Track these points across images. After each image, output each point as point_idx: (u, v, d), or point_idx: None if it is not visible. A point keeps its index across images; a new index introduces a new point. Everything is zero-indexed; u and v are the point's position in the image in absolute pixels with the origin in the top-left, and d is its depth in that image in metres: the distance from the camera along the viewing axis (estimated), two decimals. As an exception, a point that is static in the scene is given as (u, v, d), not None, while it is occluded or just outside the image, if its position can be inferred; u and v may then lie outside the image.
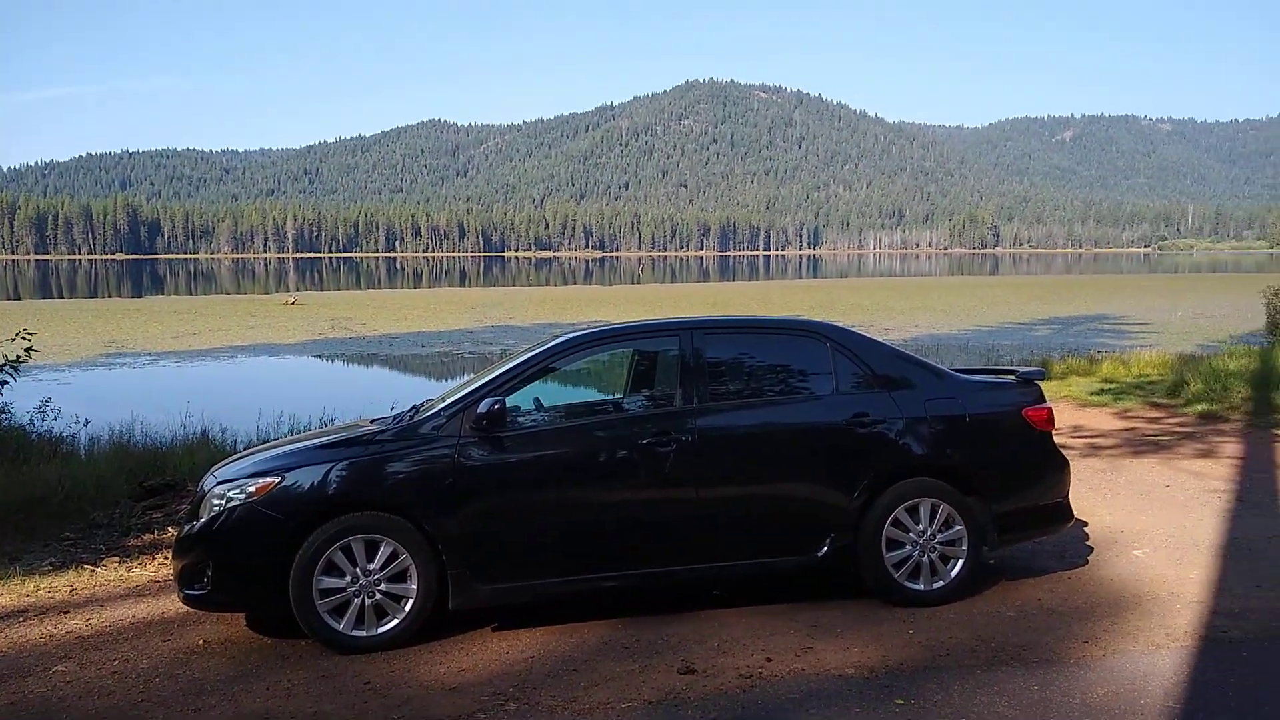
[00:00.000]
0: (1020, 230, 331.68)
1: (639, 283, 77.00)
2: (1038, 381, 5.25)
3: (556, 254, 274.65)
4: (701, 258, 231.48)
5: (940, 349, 25.13)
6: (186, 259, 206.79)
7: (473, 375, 5.81)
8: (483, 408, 4.47)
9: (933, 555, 4.84)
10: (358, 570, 4.37)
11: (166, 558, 6.09)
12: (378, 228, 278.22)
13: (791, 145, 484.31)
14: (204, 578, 4.40)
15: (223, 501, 4.41)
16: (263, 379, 20.77)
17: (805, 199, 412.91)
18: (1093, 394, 13.25)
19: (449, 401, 4.67)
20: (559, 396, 5.22)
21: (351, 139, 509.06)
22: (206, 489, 4.62)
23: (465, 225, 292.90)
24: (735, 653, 4.20)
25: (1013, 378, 5.26)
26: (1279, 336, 19.82)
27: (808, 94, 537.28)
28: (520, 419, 4.73)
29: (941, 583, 4.84)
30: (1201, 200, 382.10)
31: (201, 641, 4.62)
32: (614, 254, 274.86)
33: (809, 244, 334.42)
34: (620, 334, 5.10)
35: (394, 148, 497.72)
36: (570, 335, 4.96)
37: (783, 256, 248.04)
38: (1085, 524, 6.24)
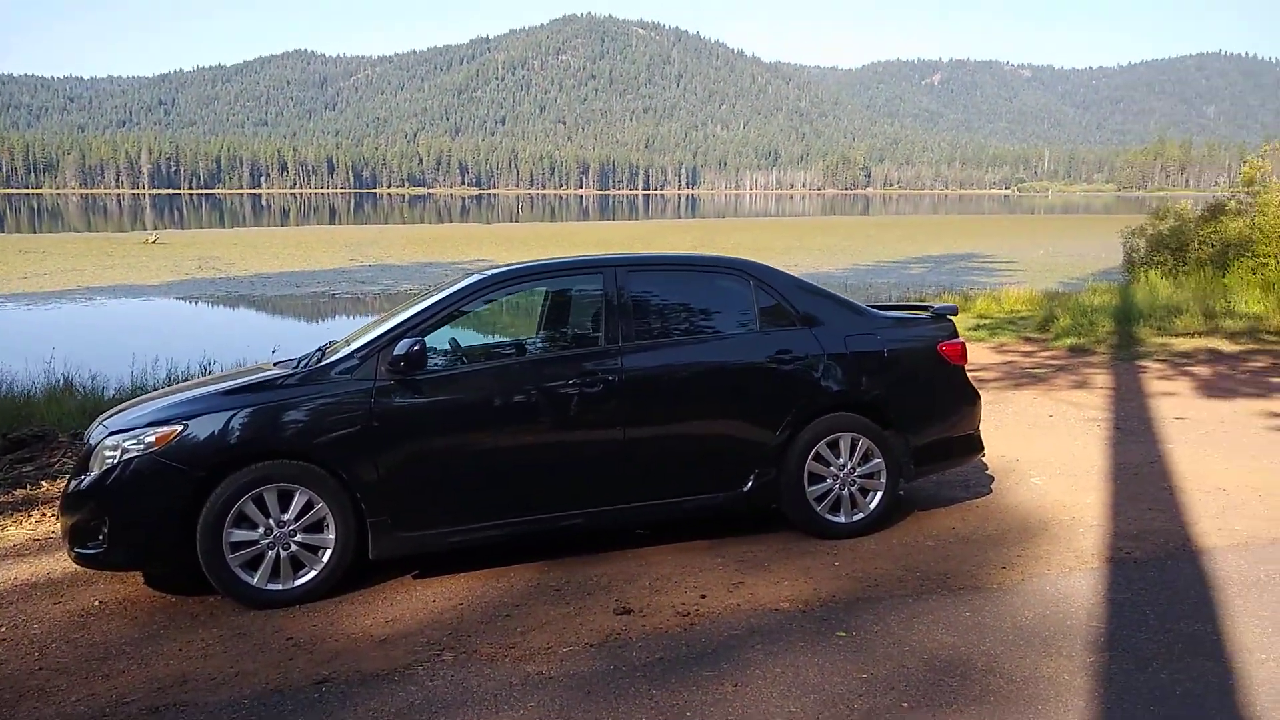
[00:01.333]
0: (890, 171, 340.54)
1: (517, 221, 75.84)
2: (950, 317, 5.35)
3: (431, 191, 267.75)
4: (581, 196, 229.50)
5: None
6: (29, 194, 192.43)
7: (378, 316, 5.56)
8: (400, 349, 4.26)
9: (852, 488, 4.92)
10: (271, 521, 4.14)
11: (44, 514, 5.68)
12: (241, 163, 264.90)
13: (670, 83, 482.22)
14: (99, 535, 4.09)
15: (117, 453, 4.09)
16: (128, 323, 19.59)
17: (684, 138, 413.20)
18: (969, 329, 13.75)
19: (362, 342, 4.43)
20: (475, 338, 5.04)
21: (210, 68, 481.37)
22: (95, 440, 4.28)
23: (335, 160, 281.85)
24: (668, 591, 4.18)
25: (927, 314, 5.35)
26: (1135, 274, 21.03)
27: (686, 31, 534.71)
28: (437, 361, 4.54)
29: (861, 515, 4.93)
30: (1057, 144, 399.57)
31: (97, 602, 4.32)
32: (491, 191, 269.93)
33: (688, 184, 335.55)
34: (540, 272, 4.93)
35: (257, 79, 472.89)
36: (488, 273, 4.77)
37: (662, 196, 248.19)
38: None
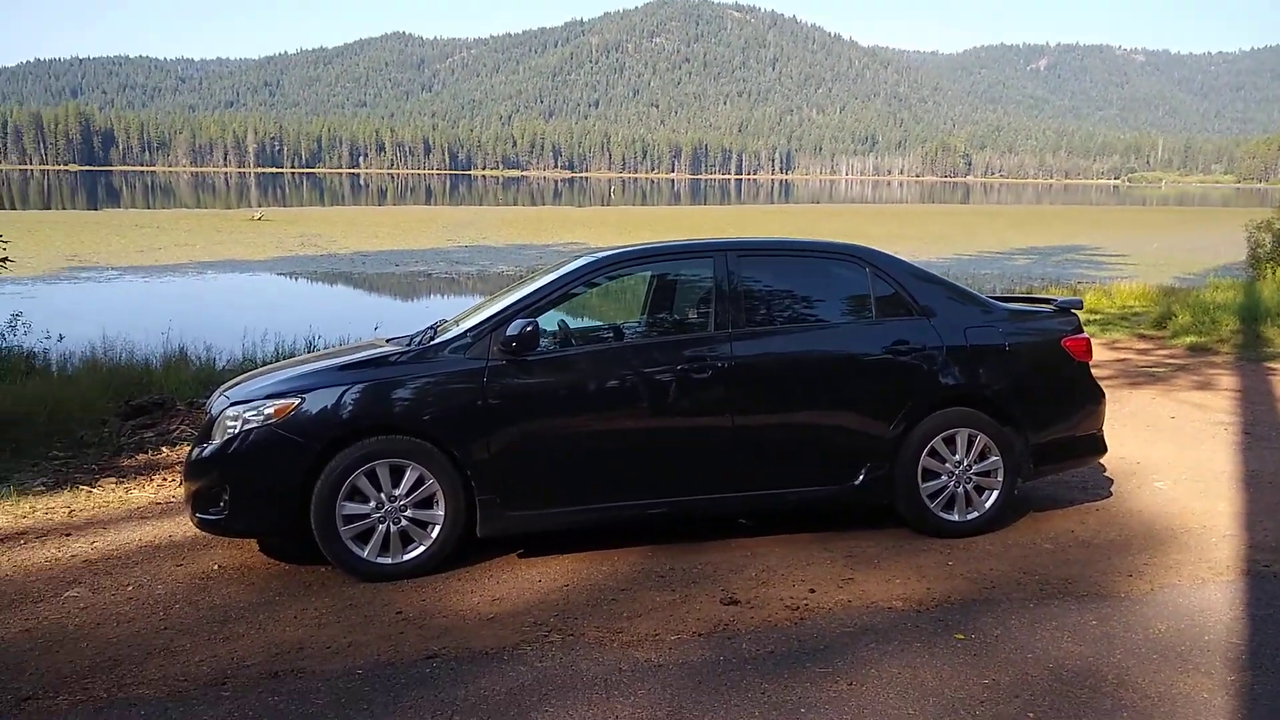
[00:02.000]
0: (992, 159, 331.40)
1: (608, 205, 76.02)
2: (1075, 311, 5.12)
3: (524, 173, 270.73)
4: (673, 180, 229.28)
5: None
6: (142, 170, 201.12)
7: (485, 297, 5.59)
8: (513, 329, 4.26)
9: (968, 486, 4.75)
10: (383, 496, 4.19)
11: (165, 479, 5.88)
12: (341, 143, 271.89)
13: (765, 67, 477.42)
14: (220, 502, 4.21)
15: (238, 424, 4.19)
16: (237, 296, 20.29)
17: (778, 122, 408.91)
18: (1080, 324, 13.22)
19: (475, 322, 4.45)
20: (584, 321, 5.03)
21: (313, 50, 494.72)
22: (218, 410, 4.40)
23: (431, 141, 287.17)
24: (776, 583, 4.10)
25: (1051, 307, 5.12)
26: (1260, 269, 20.00)
27: (781, 14, 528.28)
28: (548, 343, 4.54)
29: (976, 514, 4.76)
30: (1172, 132, 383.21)
31: (217, 567, 4.45)
32: (583, 174, 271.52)
33: (781, 169, 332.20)
34: (650, 255, 4.86)
35: (357, 60, 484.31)
36: (598, 255, 4.73)
37: (754, 181, 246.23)
38: (1100, 455, 6.21)
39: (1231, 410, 7.83)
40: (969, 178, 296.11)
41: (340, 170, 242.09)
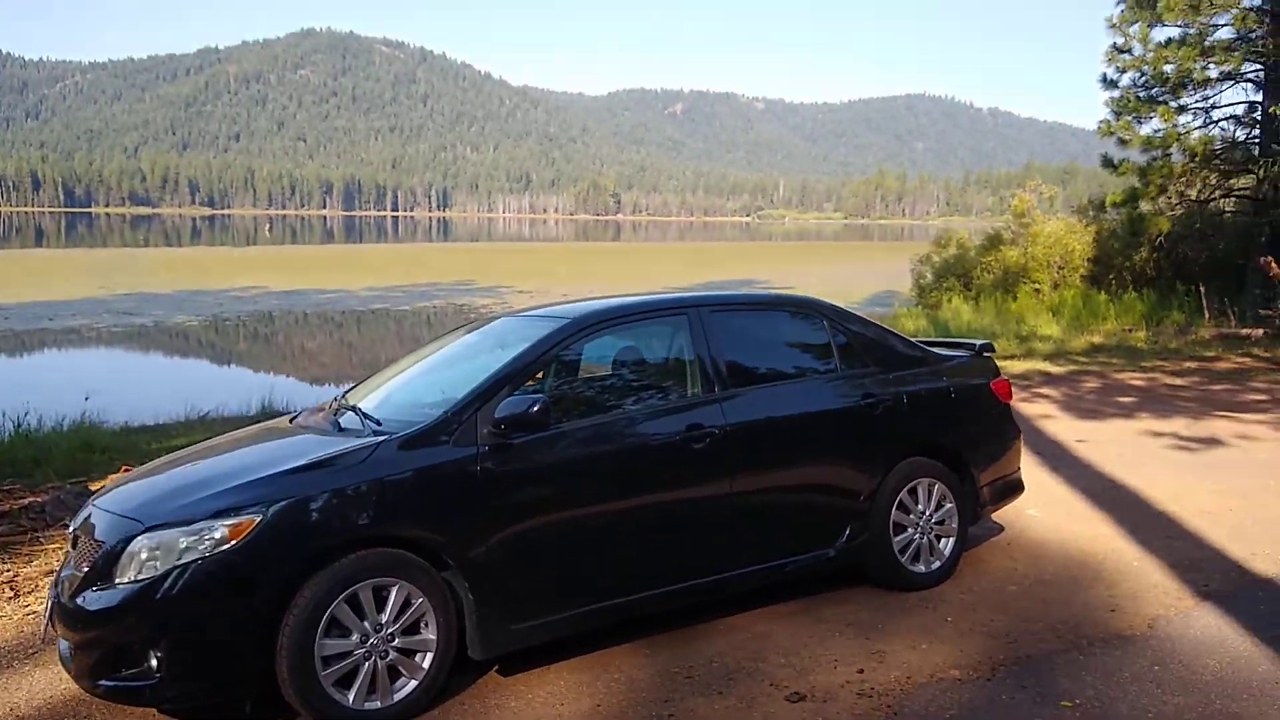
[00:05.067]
0: (639, 198, 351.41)
1: (253, 244, 71.21)
2: (988, 354, 5.32)
3: (157, 210, 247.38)
4: (325, 216, 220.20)
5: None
6: None
7: (384, 368, 4.81)
8: (506, 409, 3.63)
9: (930, 536, 4.75)
10: (366, 625, 3.38)
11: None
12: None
13: (416, 103, 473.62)
14: (144, 662, 3.17)
15: (172, 554, 3.20)
16: None
17: (433, 159, 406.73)
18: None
19: (460, 400, 3.74)
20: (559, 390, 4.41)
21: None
22: (115, 536, 3.32)
23: (40, 175, 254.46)
24: (817, 670, 3.77)
25: (970, 351, 5.28)
26: (926, 298, 22.68)
27: (431, 51, 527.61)
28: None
29: (938, 563, 4.75)
30: (790, 174, 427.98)
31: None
32: (225, 211, 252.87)
33: (439, 205, 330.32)
34: (623, 313, 4.37)
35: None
36: (574, 316, 4.18)
37: (412, 218, 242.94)
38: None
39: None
40: (619, 215, 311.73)
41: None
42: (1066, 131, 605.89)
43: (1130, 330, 17.18)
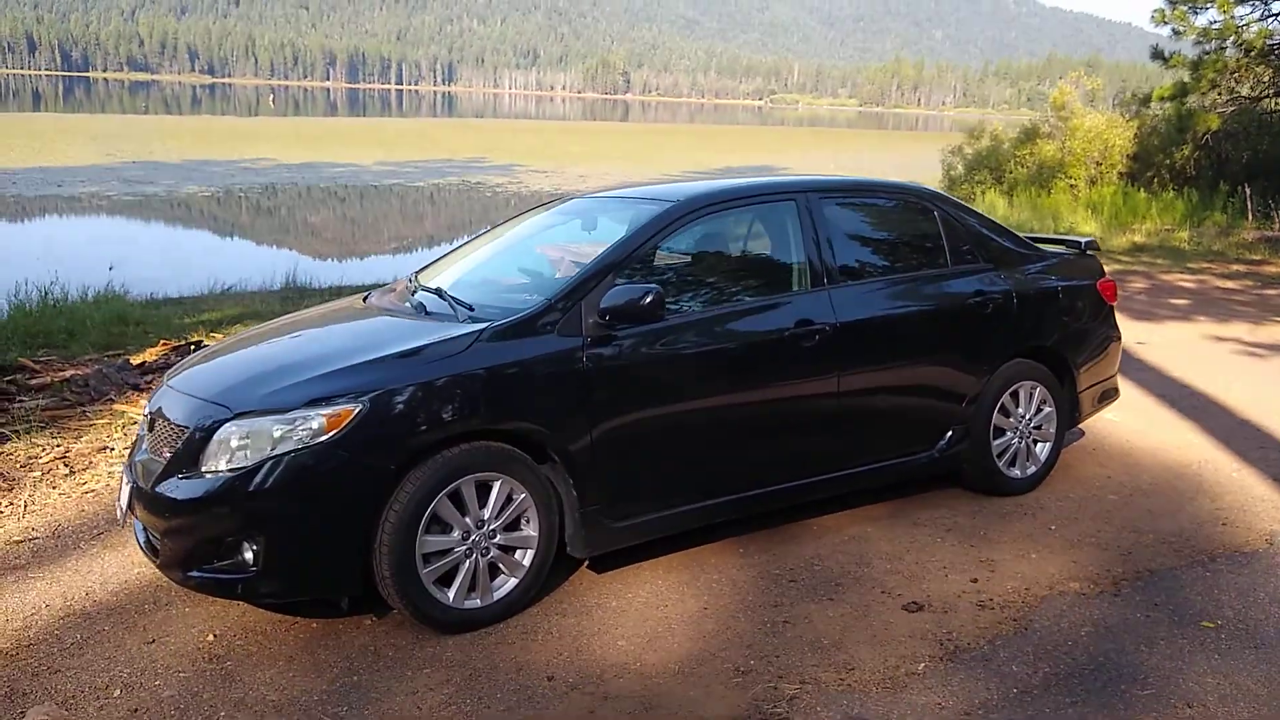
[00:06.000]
0: (650, 77, 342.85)
1: (256, 115, 69.52)
2: (1093, 252, 5.00)
3: (155, 77, 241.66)
4: (329, 89, 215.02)
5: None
6: None
7: (454, 248, 4.48)
8: (616, 298, 3.36)
9: (1029, 440, 4.53)
10: (468, 521, 3.18)
11: (14, 491, 4.25)
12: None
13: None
14: (239, 554, 2.97)
15: (264, 443, 2.98)
16: None
17: (438, 31, 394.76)
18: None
19: (564, 286, 3.45)
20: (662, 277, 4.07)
21: None
22: (199, 421, 3.08)
23: (36, 37, 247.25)
24: (926, 577, 3.59)
25: (1076, 248, 4.95)
26: (956, 190, 22.12)
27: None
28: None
29: (1033, 469, 4.55)
30: (805, 58, 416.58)
31: (211, 637, 3.18)
32: (225, 80, 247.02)
33: (443, 80, 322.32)
34: (729, 198, 4.03)
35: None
36: (680, 199, 3.85)
37: (417, 92, 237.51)
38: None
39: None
40: (628, 95, 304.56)
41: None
42: (1092, 23, 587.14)
43: (1170, 230, 16.74)
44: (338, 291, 10.12)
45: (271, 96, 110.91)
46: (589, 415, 3.34)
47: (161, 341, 6.91)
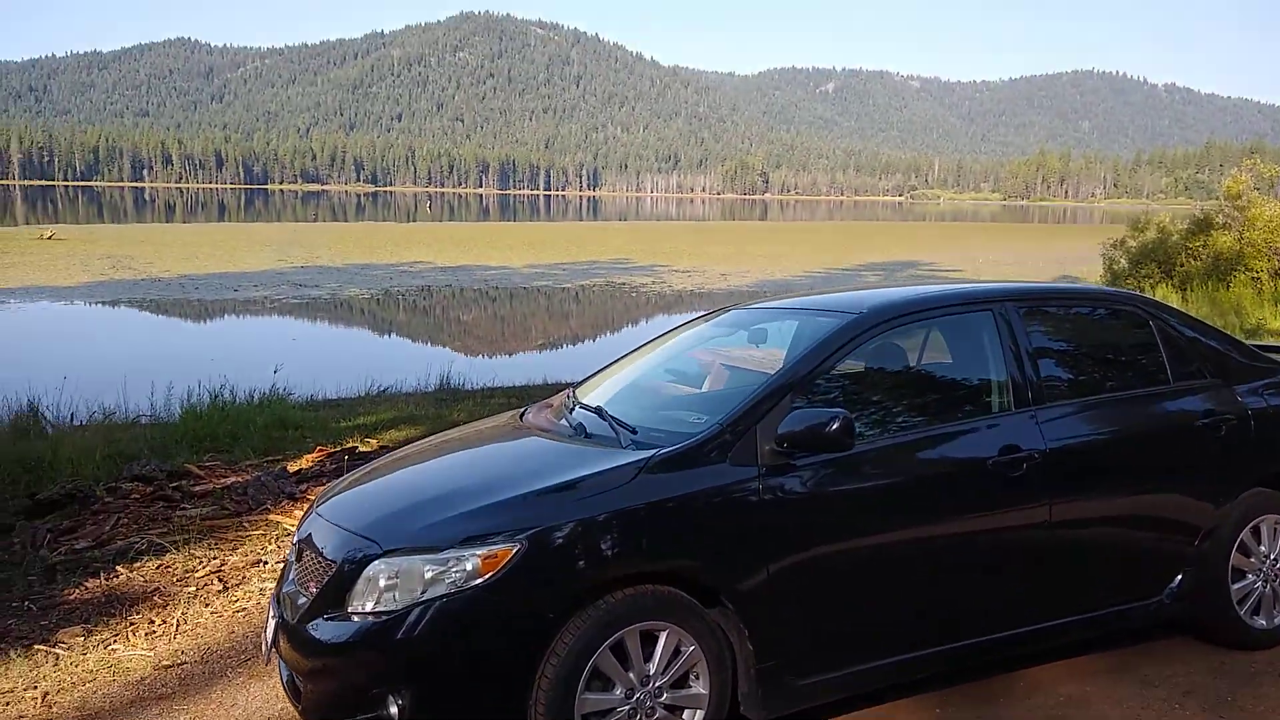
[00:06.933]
0: (788, 177, 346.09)
1: (414, 220, 73.22)
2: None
3: (325, 187, 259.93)
4: (481, 195, 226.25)
5: (790, 295, 24.86)
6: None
7: (612, 362, 4.23)
8: (796, 423, 3.02)
9: (1275, 584, 3.89)
10: (632, 677, 2.85)
11: (155, 619, 4.18)
12: (122, 154, 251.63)
13: (569, 84, 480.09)
14: (383, 708, 2.73)
15: (414, 586, 2.75)
16: (59, 329, 17.41)
17: (584, 139, 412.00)
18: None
19: (736, 409, 3.13)
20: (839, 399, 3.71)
21: (86, 54, 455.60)
22: (345, 554, 2.90)
23: (223, 154, 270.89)
24: None
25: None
26: (1119, 287, 20.91)
27: (584, 33, 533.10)
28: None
29: (1280, 617, 3.91)
30: (945, 154, 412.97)
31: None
32: (387, 189, 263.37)
33: (588, 185, 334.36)
34: (919, 308, 3.69)
35: (137, 66, 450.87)
36: (862, 310, 3.53)
37: (563, 196, 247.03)
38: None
39: None
40: (766, 195, 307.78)
41: (121, 184, 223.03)
42: (1252, 108, 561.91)
43: (1374, 327, 15.26)
44: (489, 394, 10.15)
45: (429, 203, 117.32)
46: (765, 555, 2.98)
47: (318, 448, 6.94)
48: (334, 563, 2.94)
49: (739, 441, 3.04)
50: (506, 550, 2.74)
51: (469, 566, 2.74)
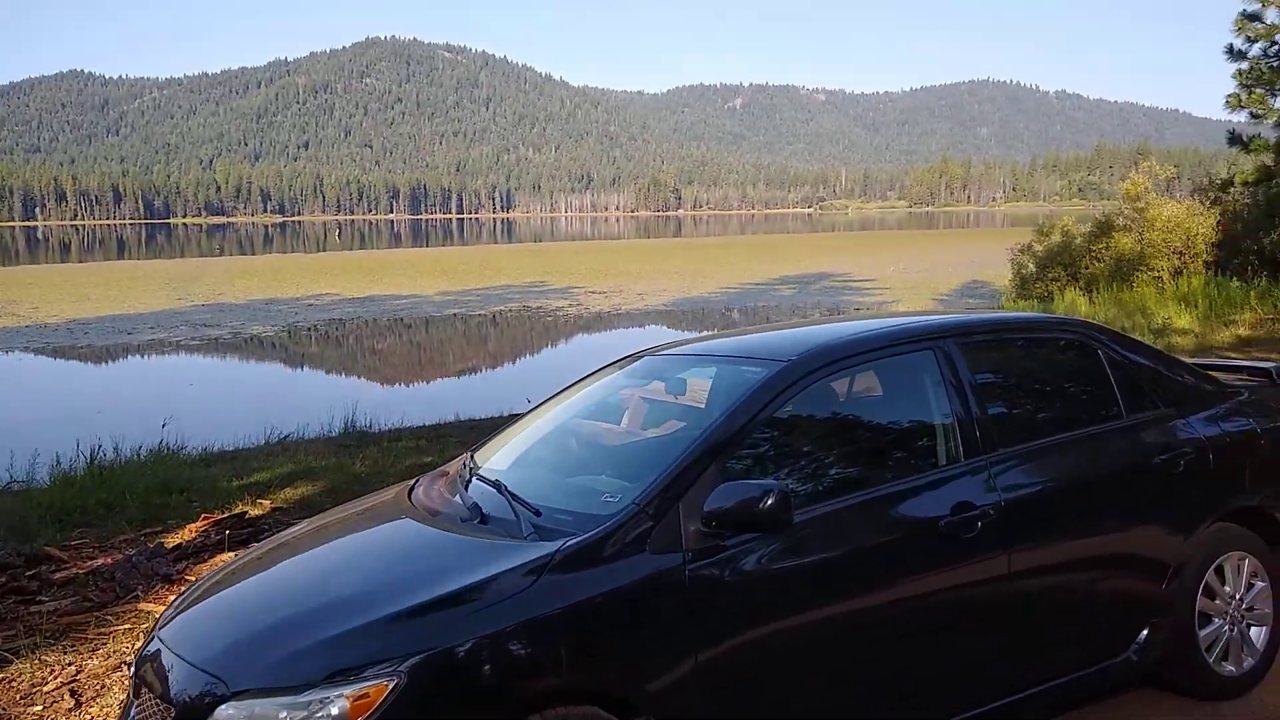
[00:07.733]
0: (699, 192, 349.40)
1: (323, 250, 71.60)
2: (1290, 379, 4.14)
3: (231, 219, 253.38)
4: (392, 221, 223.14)
5: (708, 314, 24.72)
6: None
7: (515, 418, 3.79)
8: (724, 499, 2.61)
9: (1241, 626, 3.61)
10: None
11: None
12: (12, 192, 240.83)
13: (479, 106, 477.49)
14: None
15: None
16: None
17: (496, 161, 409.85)
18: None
19: (653, 484, 2.69)
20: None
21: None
22: (196, 702, 2.36)
23: (121, 189, 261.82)
24: None
25: (1259, 379, 4.10)
26: (1029, 290, 21.24)
27: (493, 55, 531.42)
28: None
29: (1250, 661, 3.62)
30: (852, 164, 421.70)
31: None
32: (295, 219, 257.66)
33: (502, 207, 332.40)
34: (851, 351, 3.24)
35: (26, 101, 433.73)
36: (790, 359, 3.09)
37: (477, 220, 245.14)
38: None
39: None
40: (679, 210, 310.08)
41: (12, 223, 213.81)
42: (1138, 111, 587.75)
43: (1275, 320, 15.64)
44: (397, 436, 9.57)
45: (338, 231, 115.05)
46: (693, 658, 2.54)
47: (203, 515, 6.32)
48: (173, 707, 2.41)
49: (659, 524, 2.61)
50: (380, 687, 2.25)
51: (334, 711, 2.24)
